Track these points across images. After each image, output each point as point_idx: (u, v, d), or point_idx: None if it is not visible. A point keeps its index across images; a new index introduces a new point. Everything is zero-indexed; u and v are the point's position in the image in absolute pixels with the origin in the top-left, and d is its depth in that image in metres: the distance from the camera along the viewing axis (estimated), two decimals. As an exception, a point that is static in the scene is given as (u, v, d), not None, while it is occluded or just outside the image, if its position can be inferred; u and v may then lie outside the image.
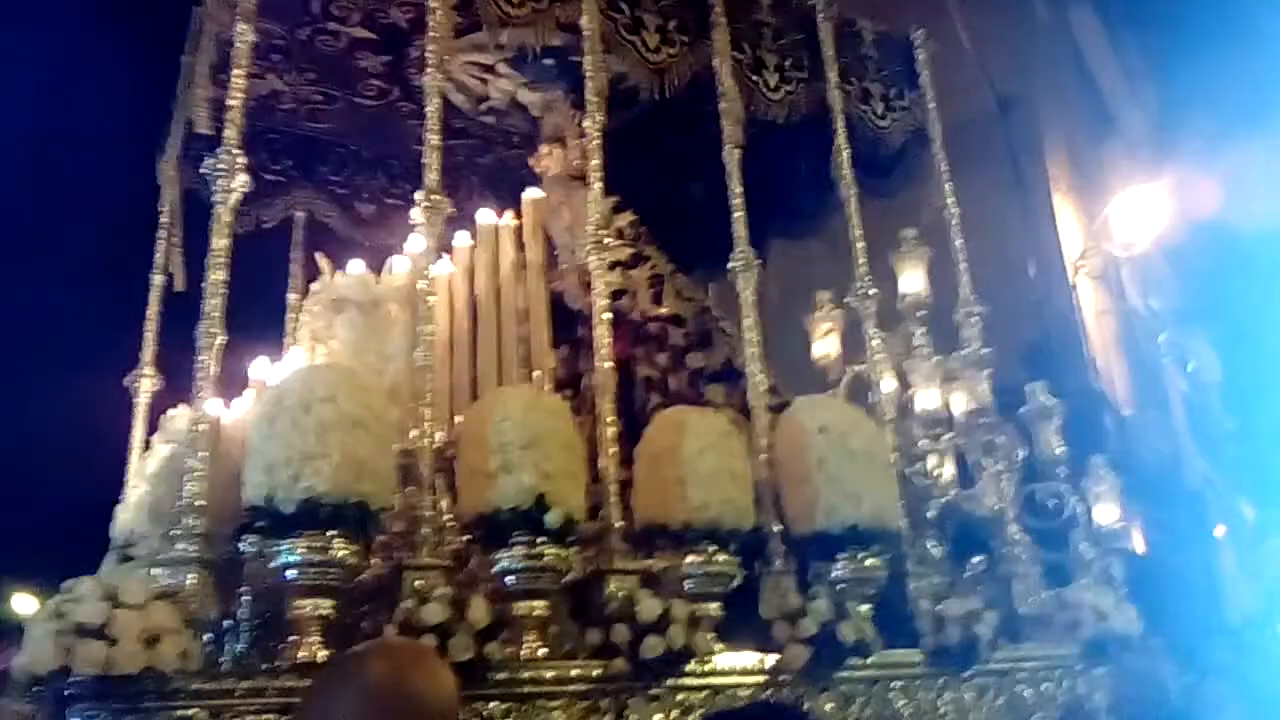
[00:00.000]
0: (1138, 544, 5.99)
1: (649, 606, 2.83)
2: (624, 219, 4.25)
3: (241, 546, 2.75)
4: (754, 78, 4.19)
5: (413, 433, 2.96)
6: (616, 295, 4.10)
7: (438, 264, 3.66)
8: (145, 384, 3.92)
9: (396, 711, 1.61)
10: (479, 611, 2.60)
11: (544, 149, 4.41)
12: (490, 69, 4.47)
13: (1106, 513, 4.03)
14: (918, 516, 3.85)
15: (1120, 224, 6.75)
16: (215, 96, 4.39)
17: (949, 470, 4.10)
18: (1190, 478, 6.36)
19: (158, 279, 4.10)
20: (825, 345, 4.34)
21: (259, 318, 4.00)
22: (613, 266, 4.12)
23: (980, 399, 3.88)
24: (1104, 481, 4.06)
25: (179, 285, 4.13)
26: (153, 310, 4.05)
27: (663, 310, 4.09)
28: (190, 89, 4.07)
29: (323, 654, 2.56)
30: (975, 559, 3.84)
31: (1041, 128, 6.83)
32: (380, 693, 1.61)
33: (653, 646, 2.79)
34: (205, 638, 2.56)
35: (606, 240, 3.42)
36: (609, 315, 3.34)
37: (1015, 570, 3.78)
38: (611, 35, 3.87)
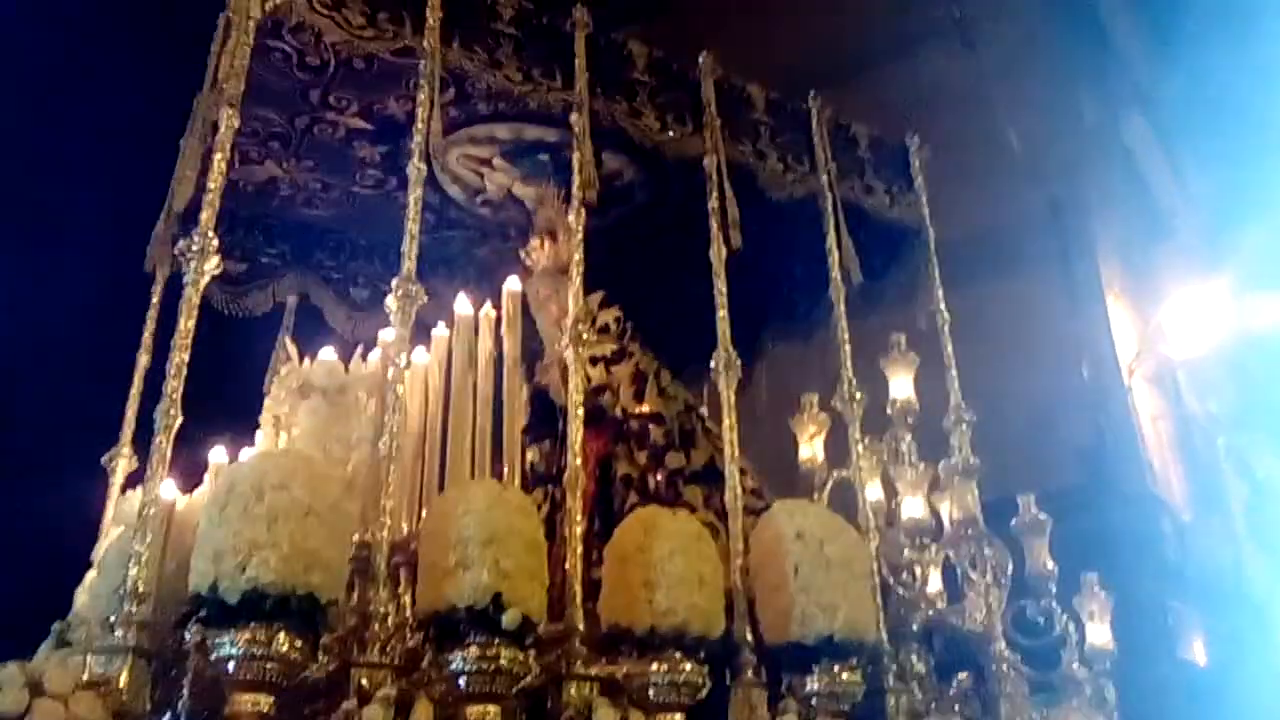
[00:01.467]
0: (1199, 656, 5.78)
1: (604, 716, 2.72)
2: (609, 314, 4.24)
3: (186, 637, 2.66)
4: (757, 163, 4.21)
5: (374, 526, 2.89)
6: (598, 391, 4.09)
7: (415, 353, 3.66)
8: (122, 464, 3.88)
9: None
10: (422, 714, 2.50)
11: (534, 242, 4.43)
12: (486, 162, 4.51)
13: (1099, 632, 3.88)
14: (901, 629, 3.73)
15: (1175, 326, 6.69)
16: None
17: (936, 582, 3.98)
18: (1254, 586, 6.16)
19: (143, 358, 4.08)
20: (810, 449, 4.26)
21: (243, 403, 3.96)
22: (595, 362, 4.13)
23: (967, 509, 3.78)
24: (1096, 600, 3.92)
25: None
26: (135, 389, 4.03)
27: (644, 408, 4.04)
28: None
29: (259, 755, 2.47)
30: (961, 675, 3.70)
31: (1093, 229, 6.82)
32: None
33: (604, 759, 2.67)
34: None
35: (586, 335, 3.39)
36: (582, 411, 3.29)
37: (1002, 689, 3.64)
38: (610, 117, 3.91)
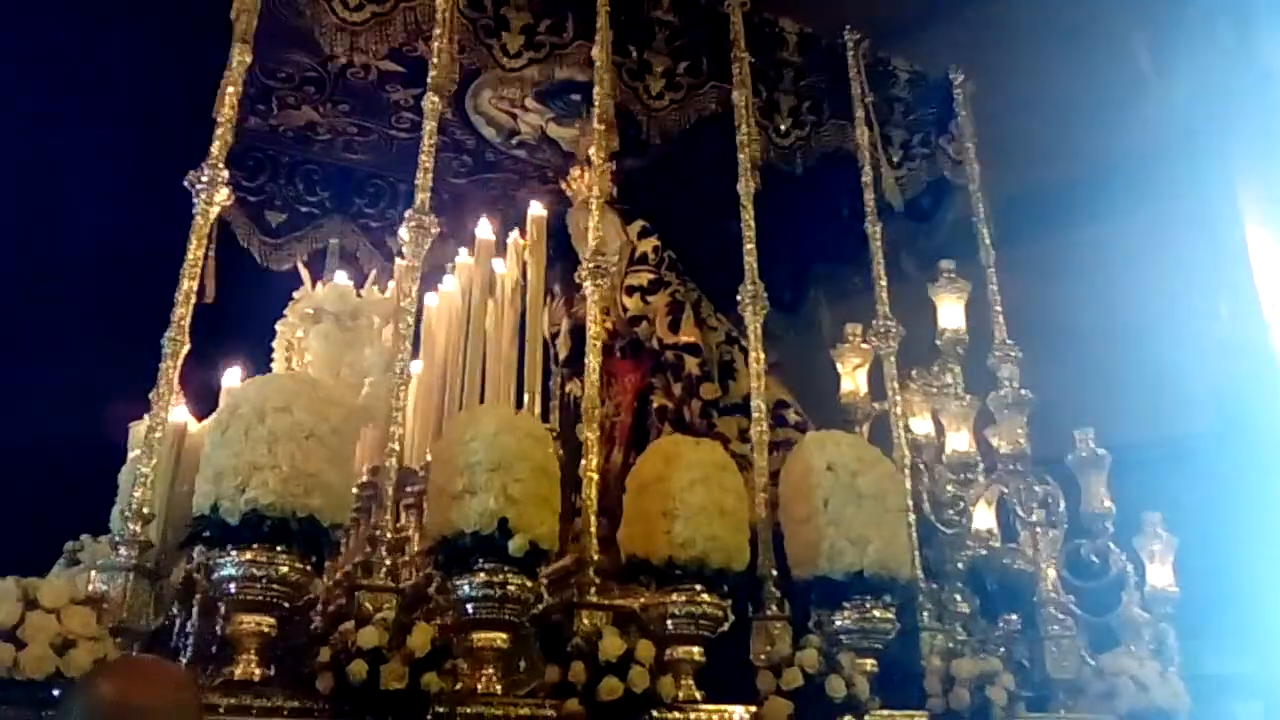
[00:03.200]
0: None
1: (610, 645, 2.64)
2: (648, 244, 4.15)
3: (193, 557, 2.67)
4: (763, 121, 4.08)
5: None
6: (634, 321, 4.01)
7: (443, 284, 3.63)
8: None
9: None
10: (419, 638, 2.45)
11: (574, 172, 4.35)
12: (518, 103, 4.44)
13: (1160, 574, 3.66)
14: (945, 568, 3.57)
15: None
16: (253, 126, 4.54)
17: (986, 520, 3.80)
18: None
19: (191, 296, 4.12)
20: (853, 381, 4.10)
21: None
22: (632, 292, 4.04)
23: (1016, 444, 3.59)
24: (1158, 540, 3.70)
25: (209, 297, 4.16)
26: (185, 321, 4.06)
27: (680, 338, 3.94)
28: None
29: (260, 672, 2.46)
30: (1007, 617, 3.53)
31: (1231, 154, 6.42)
32: (100, 710, 1.60)
33: (611, 688, 2.59)
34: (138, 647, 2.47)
35: (613, 266, 3.30)
36: (599, 342, 3.21)
37: (1051, 631, 3.46)
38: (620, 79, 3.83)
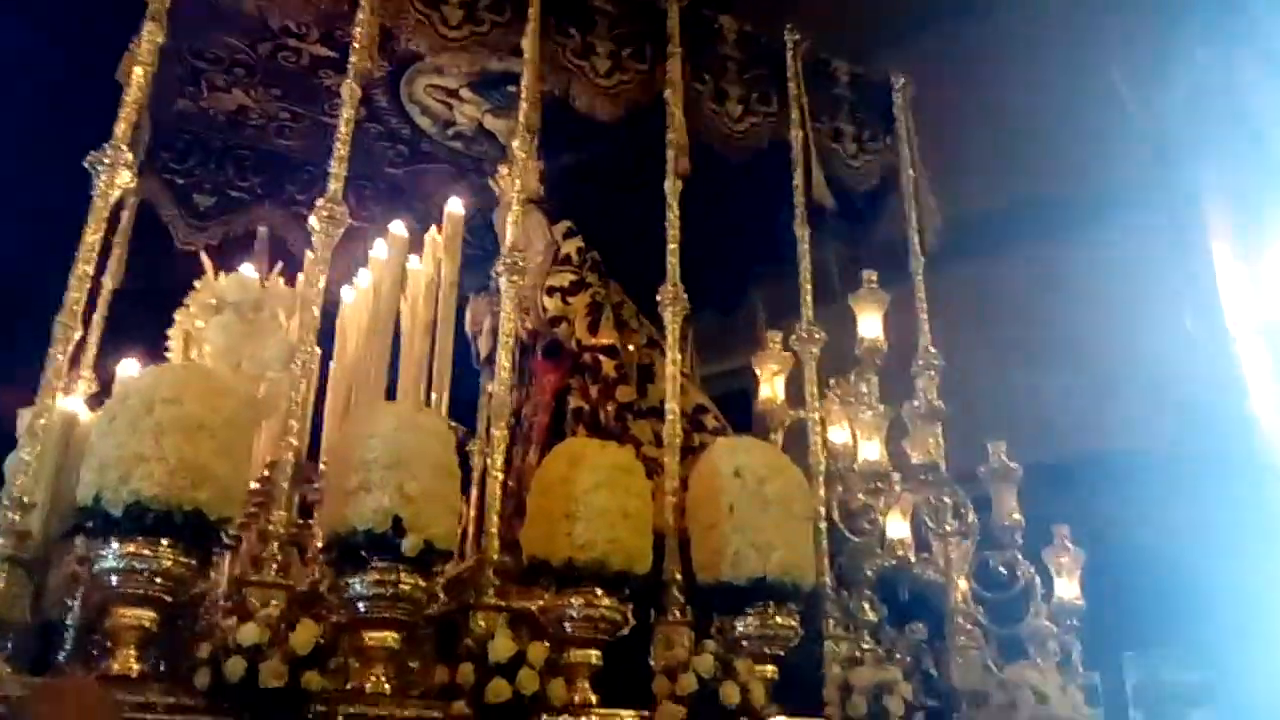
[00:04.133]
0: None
1: (500, 646, 2.63)
2: (573, 244, 4.13)
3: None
4: (715, 107, 4.05)
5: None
6: (554, 322, 3.99)
7: (358, 278, 3.59)
8: (81, 387, 3.87)
9: None
10: (302, 636, 2.42)
11: (503, 169, 4.30)
12: (454, 93, 4.40)
13: (1067, 588, 3.69)
14: (854, 576, 3.59)
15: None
16: (183, 108, 4.47)
17: (900, 530, 3.81)
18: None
19: (108, 282, 4.05)
20: (770, 388, 4.10)
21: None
22: (552, 293, 4.02)
23: (928, 454, 3.60)
24: (1066, 553, 3.73)
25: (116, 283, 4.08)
26: (99, 315, 4.00)
27: (598, 340, 3.92)
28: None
29: (138, 668, 2.43)
30: (915, 626, 3.54)
31: (1201, 175, 6.46)
32: None
33: (498, 691, 2.58)
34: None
35: (519, 263, 3.27)
36: (511, 341, 3.19)
37: (958, 642, 3.48)
38: (561, 59, 3.79)
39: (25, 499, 2.50)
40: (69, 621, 2.69)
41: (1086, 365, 5.46)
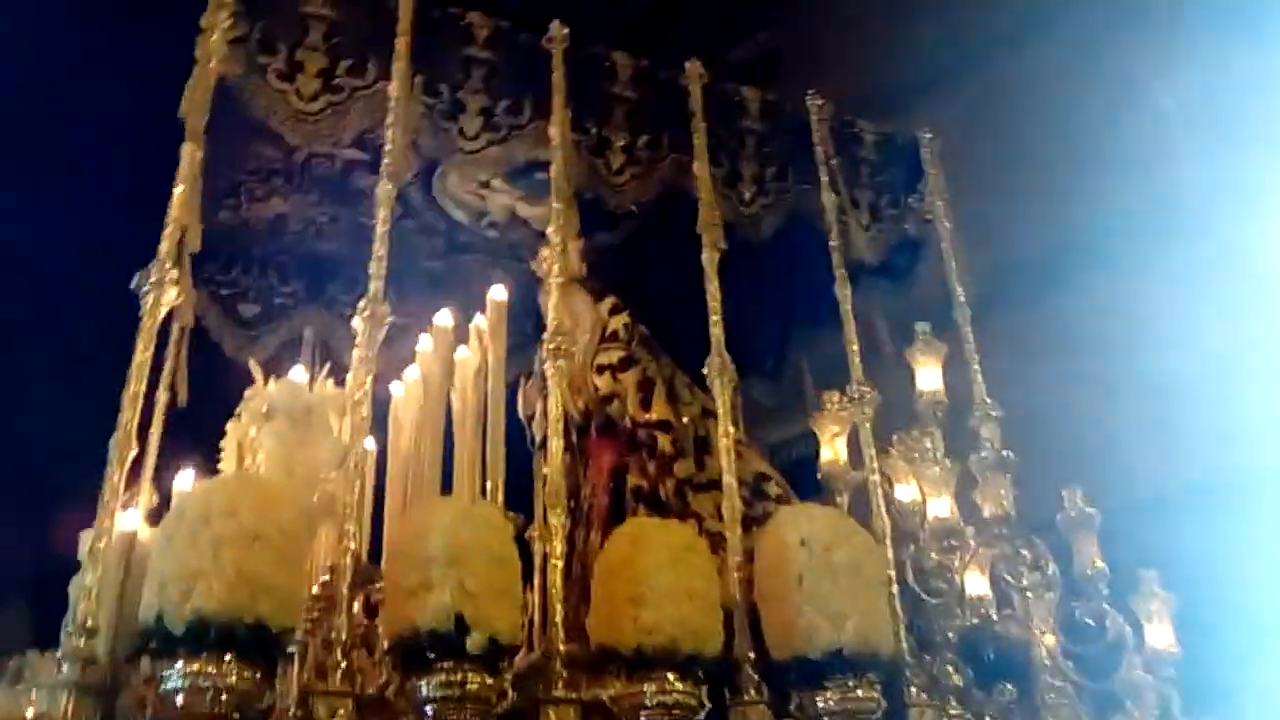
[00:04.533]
0: None
1: (575, 741, 2.55)
2: (619, 321, 4.12)
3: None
4: (728, 191, 4.07)
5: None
6: (606, 400, 3.96)
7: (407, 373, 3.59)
8: (143, 501, 3.89)
9: None
10: (372, 746, 2.37)
11: (544, 252, 4.31)
12: (485, 184, 4.45)
13: (1160, 634, 3.53)
14: (934, 639, 3.46)
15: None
16: (225, 220, 4.56)
17: (979, 587, 3.68)
18: None
19: (162, 396, 4.09)
20: (831, 450, 4.01)
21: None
22: (602, 371, 4.00)
23: (1000, 507, 3.49)
24: (1155, 599, 3.57)
25: (181, 400, 4.12)
26: (155, 430, 4.04)
27: (651, 416, 3.88)
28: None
29: (209, 791, 2.38)
30: (1002, 688, 3.40)
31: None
32: None
33: (578, 788, 2.49)
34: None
35: (564, 345, 3.25)
36: (560, 424, 3.15)
37: (1048, 700, 3.33)
38: (579, 154, 3.84)
39: (89, 623, 2.49)
40: (138, 745, 2.64)
41: (1154, 396, 5.28)
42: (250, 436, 2.94)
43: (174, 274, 2.95)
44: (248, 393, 3.04)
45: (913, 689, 3.19)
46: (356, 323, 3.09)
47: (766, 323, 5.16)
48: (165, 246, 2.99)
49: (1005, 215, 5.41)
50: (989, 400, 3.77)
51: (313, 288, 4.81)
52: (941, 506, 3.57)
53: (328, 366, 3.25)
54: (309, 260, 4.80)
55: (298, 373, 3.21)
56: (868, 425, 3.57)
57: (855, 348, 3.69)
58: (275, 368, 4.59)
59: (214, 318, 4.57)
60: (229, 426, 3.14)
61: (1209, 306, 5.19)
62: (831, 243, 3.97)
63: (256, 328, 4.65)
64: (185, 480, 2.98)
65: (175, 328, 4.28)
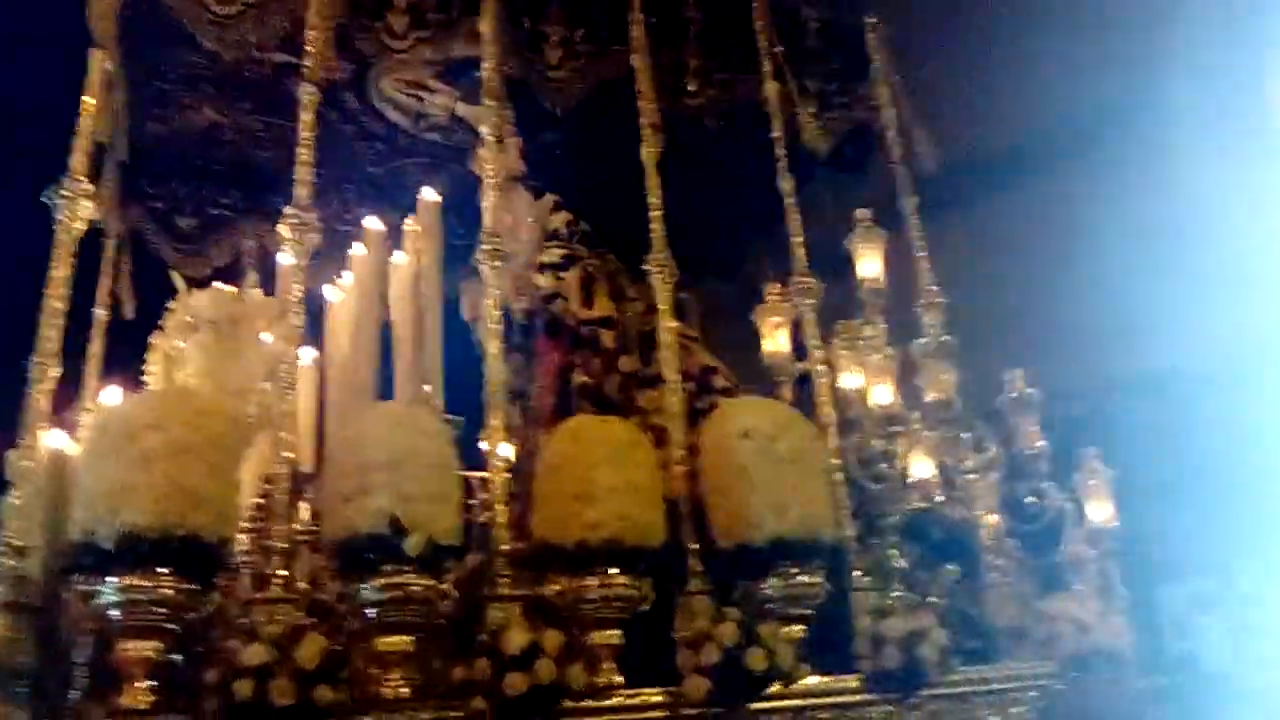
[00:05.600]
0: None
1: (513, 637, 2.57)
2: (560, 219, 4.05)
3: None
4: (671, 84, 3.98)
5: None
6: (549, 299, 3.92)
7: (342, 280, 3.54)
8: (85, 419, 3.85)
9: None
10: (308, 651, 2.38)
11: (481, 151, 4.22)
12: (421, 85, 4.32)
13: (1100, 510, 3.58)
14: (879, 525, 3.50)
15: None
16: (155, 131, 4.43)
17: (922, 472, 3.71)
18: None
19: (101, 313, 4.02)
20: (774, 341, 3.99)
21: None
22: (544, 269, 3.95)
23: (943, 392, 3.50)
24: (1096, 475, 3.62)
25: (127, 314, 4.06)
26: (96, 346, 3.98)
27: (594, 313, 3.85)
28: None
29: (149, 699, 2.40)
30: (946, 568, 3.45)
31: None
32: None
33: (514, 682, 2.52)
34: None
35: (499, 248, 3.19)
36: (498, 326, 3.10)
37: (991, 579, 3.39)
38: (515, 49, 3.73)
39: (19, 543, 2.48)
40: (81, 660, 2.66)
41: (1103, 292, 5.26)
42: (177, 349, 2.89)
43: (87, 188, 2.86)
44: (171, 305, 2.98)
45: (857, 573, 3.23)
46: (283, 229, 3.02)
47: (724, 220, 5.11)
48: (76, 159, 2.89)
49: (960, 114, 5.30)
50: (934, 288, 3.75)
51: (252, 198, 4.71)
52: (883, 393, 3.58)
53: (254, 276, 3.18)
54: (246, 170, 4.68)
55: (221, 284, 3.13)
56: (811, 315, 3.55)
57: (799, 239, 3.63)
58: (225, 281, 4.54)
59: (152, 232, 4.47)
60: (153, 340, 3.08)
61: (1160, 212, 5.16)
62: (775, 133, 3.88)
63: (196, 241, 4.56)
64: (112, 395, 2.93)
65: (109, 243, 4.22)
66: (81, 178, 2.86)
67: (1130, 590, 3.52)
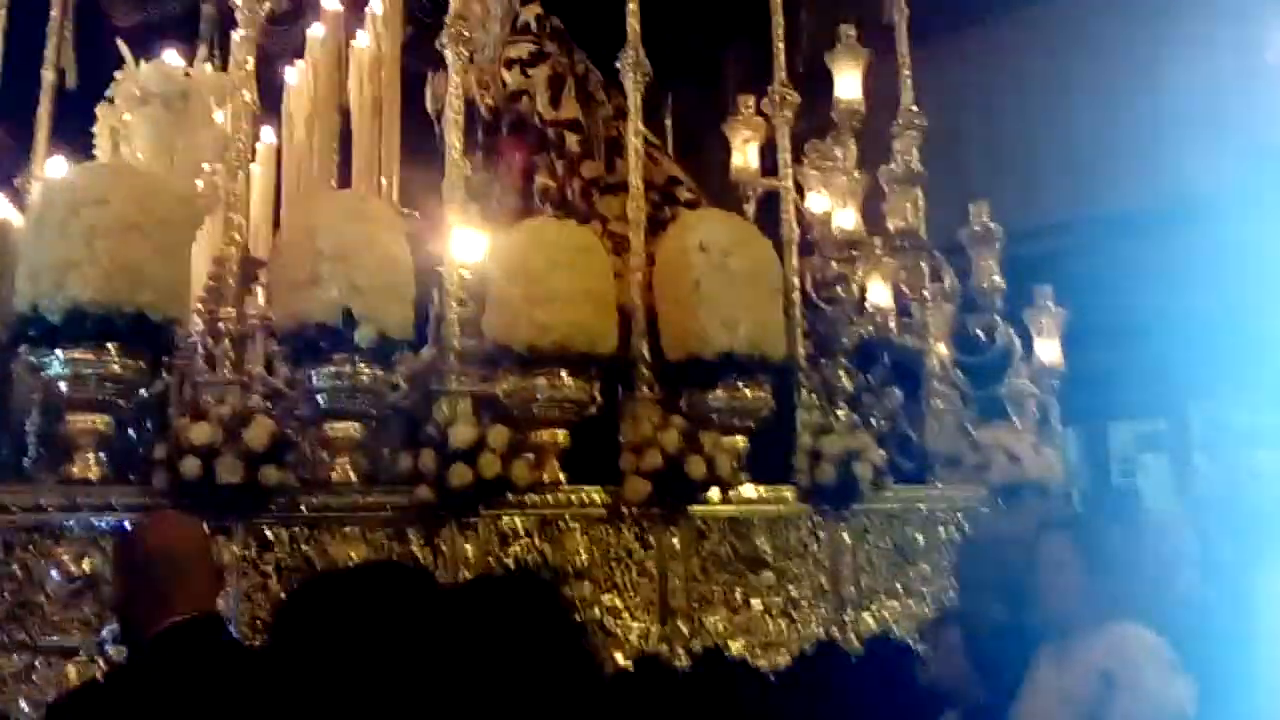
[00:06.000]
0: None
1: (461, 431, 2.62)
2: (531, 10, 3.87)
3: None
4: None
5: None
6: (515, 97, 3.80)
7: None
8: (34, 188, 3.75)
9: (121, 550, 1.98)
10: (257, 433, 2.42)
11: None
12: None
13: (1048, 349, 3.64)
14: (830, 346, 3.54)
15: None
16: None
17: (879, 298, 3.73)
18: None
19: (48, 75, 3.84)
20: (743, 156, 3.91)
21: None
22: (511, 65, 3.81)
23: (906, 219, 3.48)
24: (1046, 314, 3.66)
25: (70, 82, 3.88)
26: (45, 110, 3.82)
27: (561, 114, 3.73)
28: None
29: (98, 471, 2.44)
30: (890, 392, 3.53)
31: None
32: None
33: (459, 474, 2.59)
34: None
35: (464, 33, 3.05)
36: (460, 117, 3.00)
37: (934, 406, 3.48)
38: None
39: (-37, 309, 2.46)
40: (30, 429, 2.69)
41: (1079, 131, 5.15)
42: (124, 122, 2.79)
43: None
44: (119, 75, 2.84)
45: (803, 392, 3.30)
46: (237, -1, 2.86)
47: (703, 24, 4.90)
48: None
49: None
50: (914, 109, 3.66)
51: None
52: (847, 217, 3.55)
53: (204, 49, 3.03)
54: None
55: (172, 55, 2.98)
56: (786, 130, 3.47)
57: (780, 45, 3.49)
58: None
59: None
60: (99, 111, 2.96)
61: (1147, 58, 4.99)
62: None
63: (149, 4, 4.32)
64: (57, 166, 2.84)
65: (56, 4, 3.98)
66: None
67: (1080, 428, 3.62)
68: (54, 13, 3.90)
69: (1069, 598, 2.15)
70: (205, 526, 2.10)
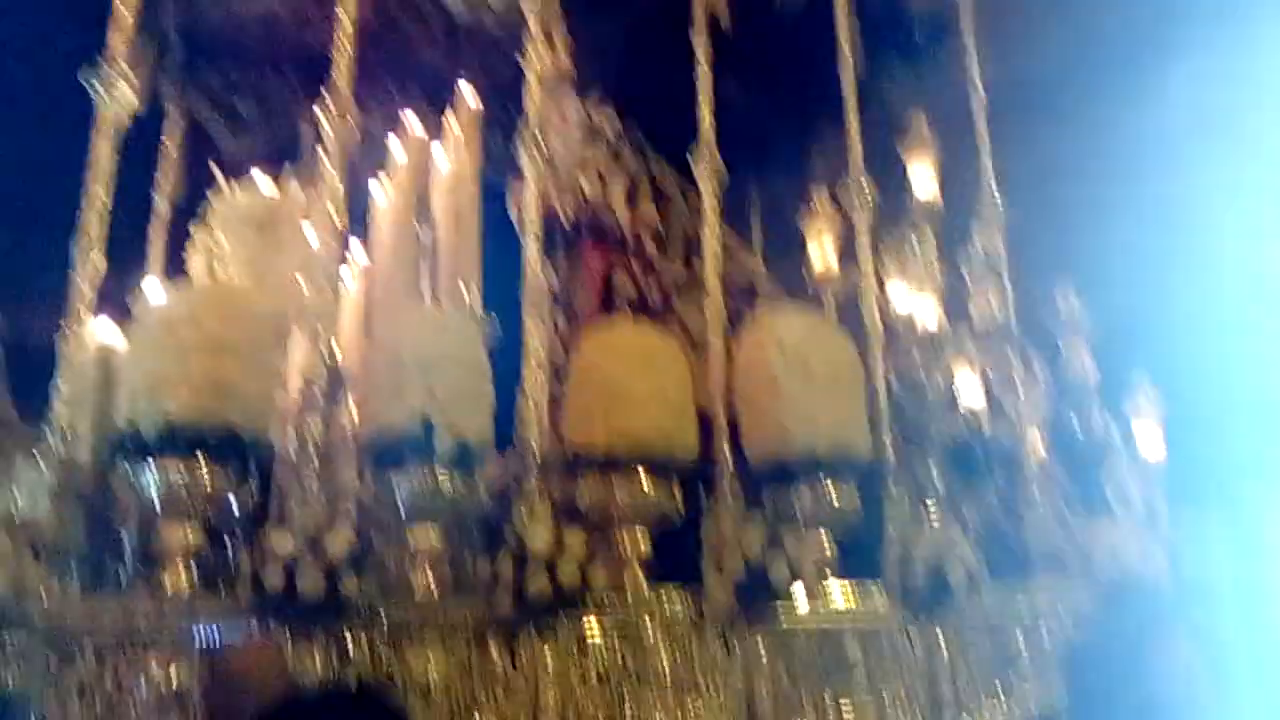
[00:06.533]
0: None
1: (536, 535, 2.62)
2: (606, 119, 3.96)
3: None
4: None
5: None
6: (592, 202, 3.88)
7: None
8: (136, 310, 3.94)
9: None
10: (336, 543, 2.46)
11: (530, 49, 4.13)
12: (477, -28, 4.23)
13: (1147, 438, 3.49)
14: (919, 443, 3.45)
15: None
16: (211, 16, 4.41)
17: (967, 392, 3.64)
18: None
19: (161, 203, 4.06)
20: (819, 249, 3.89)
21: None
22: (586, 169, 3.90)
23: (990, 308, 3.41)
24: (1145, 402, 3.52)
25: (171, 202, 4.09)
26: (157, 235, 4.03)
27: (638, 216, 3.79)
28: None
29: (187, 583, 2.51)
30: (986, 490, 3.42)
31: None
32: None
33: (538, 583, 2.58)
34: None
35: (539, 139, 3.13)
36: (539, 229, 3.07)
37: (1031, 501, 3.35)
38: None
39: (67, 429, 2.57)
40: (126, 548, 2.78)
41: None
42: (217, 243, 2.93)
43: (126, 71, 2.85)
44: (211, 196, 3.00)
45: (892, 491, 3.22)
46: (323, 121, 3.00)
47: (780, 118, 4.95)
48: (115, 38, 2.88)
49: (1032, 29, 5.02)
50: (996, 195, 3.60)
51: (310, 85, 4.67)
52: (929, 308, 3.49)
53: (294, 170, 3.18)
54: (305, 57, 4.64)
55: (260, 176, 3.13)
56: (864, 223, 3.44)
57: (855, 131, 3.48)
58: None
59: (211, 118, 4.49)
60: (193, 231, 3.12)
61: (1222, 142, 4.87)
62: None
63: (253, 129, 4.57)
64: (152, 287, 2.99)
65: (166, 127, 4.25)
66: (118, 59, 2.85)
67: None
68: (166, 140, 4.22)
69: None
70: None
